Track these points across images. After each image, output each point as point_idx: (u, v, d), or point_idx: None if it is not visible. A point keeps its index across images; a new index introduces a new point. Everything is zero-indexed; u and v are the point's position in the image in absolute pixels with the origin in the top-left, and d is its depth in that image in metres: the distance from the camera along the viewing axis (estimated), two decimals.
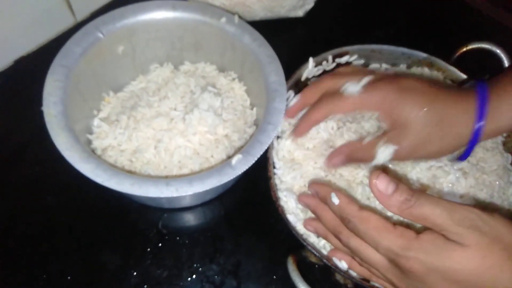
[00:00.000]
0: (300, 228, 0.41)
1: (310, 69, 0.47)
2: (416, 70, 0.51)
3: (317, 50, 0.50)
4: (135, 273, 0.43)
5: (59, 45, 0.42)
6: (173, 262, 0.44)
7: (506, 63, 0.48)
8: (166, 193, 0.35)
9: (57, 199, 0.46)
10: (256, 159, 0.38)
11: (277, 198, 0.41)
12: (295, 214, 0.41)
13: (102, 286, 0.42)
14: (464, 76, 0.49)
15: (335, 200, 0.35)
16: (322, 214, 0.37)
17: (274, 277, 0.44)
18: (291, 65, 0.48)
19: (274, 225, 0.46)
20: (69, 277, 0.42)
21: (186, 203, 0.47)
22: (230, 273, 0.44)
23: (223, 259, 0.44)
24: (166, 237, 0.45)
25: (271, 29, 0.61)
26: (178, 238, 0.45)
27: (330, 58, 0.48)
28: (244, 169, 0.37)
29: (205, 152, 0.43)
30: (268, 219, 0.46)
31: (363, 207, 0.34)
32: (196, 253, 0.45)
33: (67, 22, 0.59)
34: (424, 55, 0.50)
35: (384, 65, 0.51)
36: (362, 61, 0.50)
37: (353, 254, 0.35)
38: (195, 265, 0.44)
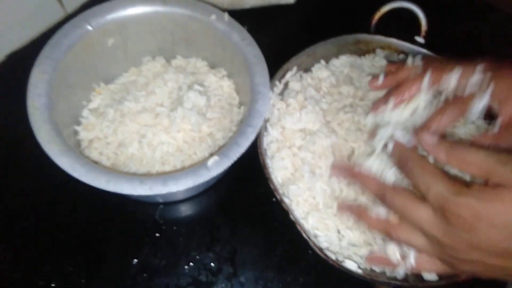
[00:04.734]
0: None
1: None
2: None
3: (308, 37, 0.50)
4: (134, 263, 0.44)
5: None
6: (170, 251, 0.45)
7: (422, 16, 0.50)
8: (139, 191, 0.36)
9: (55, 194, 0.47)
10: (232, 161, 0.38)
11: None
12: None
13: (101, 276, 0.43)
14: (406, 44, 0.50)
15: (402, 138, 0.36)
16: (365, 181, 0.38)
17: (269, 263, 0.45)
18: (282, 52, 0.48)
19: (268, 213, 0.47)
20: (70, 268, 0.43)
21: (179, 196, 0.47)
22: (226, 260, 0.45)
23: (220, 247, 0.45)
24: (163, 227, 0.46)
25: (262, 16, 0.61)
26: (175, 228, 0.46)
27: (277, 82, 0.48)
28: (220, 171, 0.37)
29: (188, 149, 0.44)
30: (262, 207, 0.47)
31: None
32: (193, 242, 0.46)
33: (57, 15, 0.58)
34: (349, 36, 0.49)
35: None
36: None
37: (397, 213, 0.35)
38: (192, 253, 0.45)
